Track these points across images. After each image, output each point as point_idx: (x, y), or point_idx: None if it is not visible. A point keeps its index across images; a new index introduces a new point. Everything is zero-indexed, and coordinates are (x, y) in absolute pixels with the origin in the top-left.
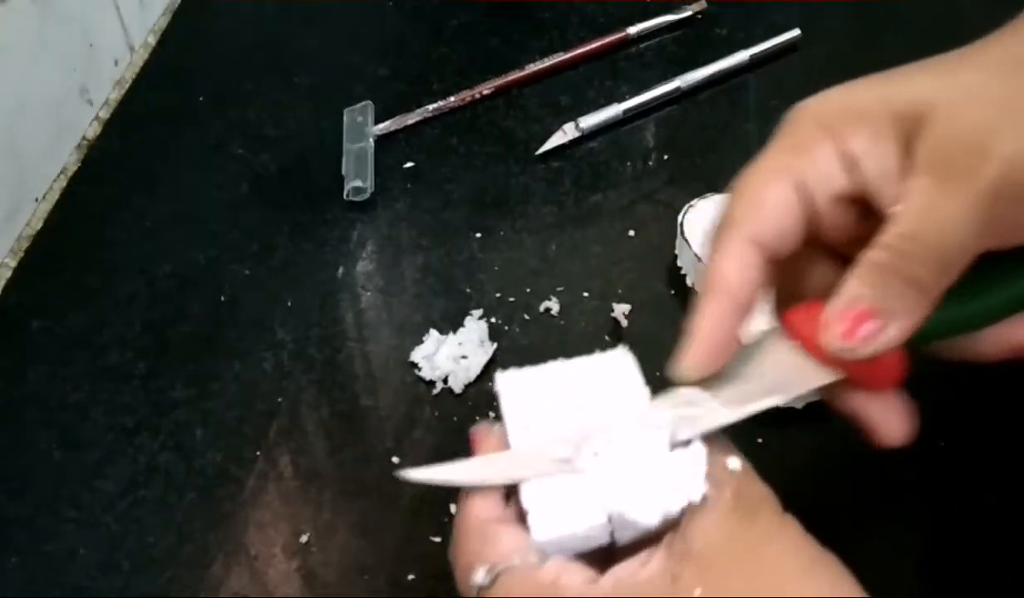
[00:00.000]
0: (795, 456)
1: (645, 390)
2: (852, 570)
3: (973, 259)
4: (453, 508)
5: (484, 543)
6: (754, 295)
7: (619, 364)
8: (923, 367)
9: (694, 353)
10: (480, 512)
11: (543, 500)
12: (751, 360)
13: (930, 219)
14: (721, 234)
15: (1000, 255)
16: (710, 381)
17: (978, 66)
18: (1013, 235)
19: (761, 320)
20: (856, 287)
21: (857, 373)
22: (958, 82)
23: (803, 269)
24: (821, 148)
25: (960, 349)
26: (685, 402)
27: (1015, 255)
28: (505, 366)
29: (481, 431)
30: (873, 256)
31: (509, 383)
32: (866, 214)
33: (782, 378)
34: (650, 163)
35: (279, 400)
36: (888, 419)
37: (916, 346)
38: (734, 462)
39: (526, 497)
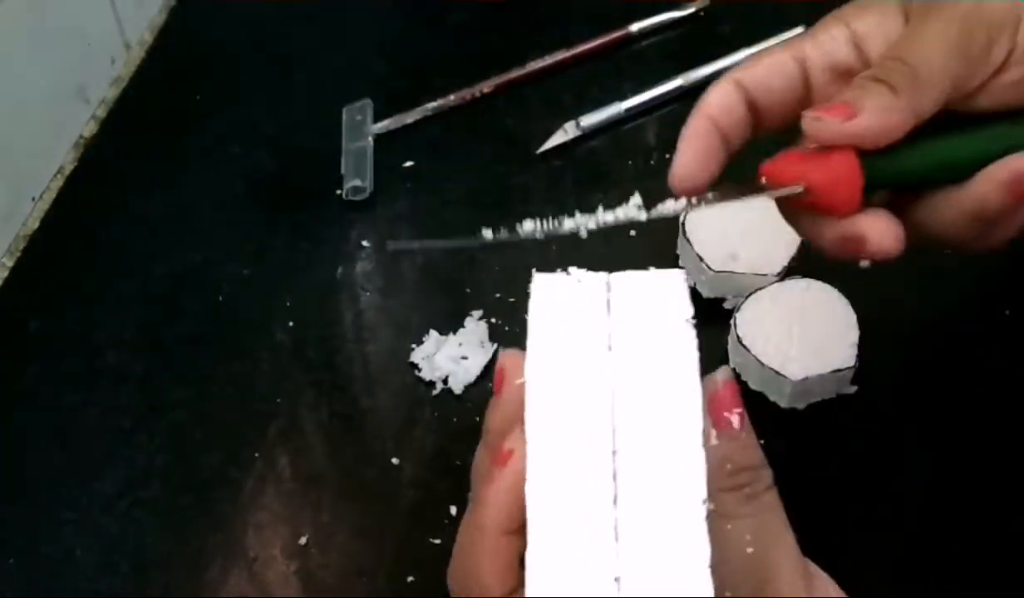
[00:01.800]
0: (795, 456)
1: (687, 320)
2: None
3: (946, 86)
4: (453, 510)
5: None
6: (732, 122)
7: (670, 286)
8: (924, 367)
9: (677, 162)
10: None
11: (548, 554)
12: (729, 188)
13: (908, 41)
14: (717, 81)
15: (966, 123)
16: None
17: None
18: (985, 66)
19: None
20: (844, 92)
21: (818, 186)
22: None
23: None
24: (828, 29)
25: (941, 213)
26: None
27: (980, 121)
28: None
29: (507, 360)
30: (864, 72)
31: (544, 290)
32: None
33: (744, 192)
34: (652, 162)
35: (277, 401)
36: (877, 229)
37: (887, 183)
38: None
39: (531, 551)
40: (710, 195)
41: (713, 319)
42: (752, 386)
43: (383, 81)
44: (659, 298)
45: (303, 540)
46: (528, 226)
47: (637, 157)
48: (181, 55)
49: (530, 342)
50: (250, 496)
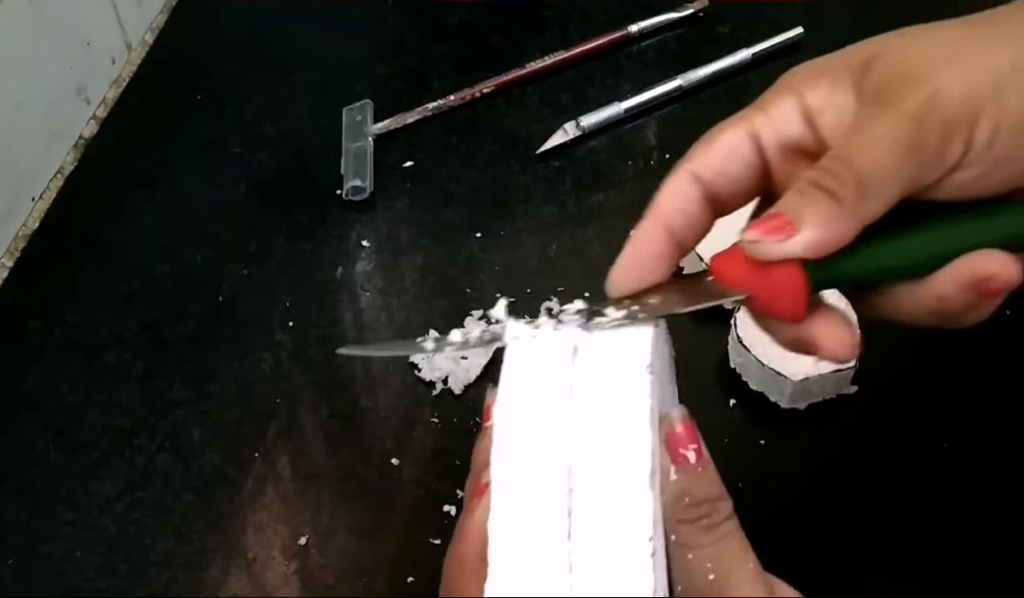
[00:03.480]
0: (795, 456)
1: (646, 367)
2: (852, 570)
3: (898, 189)
4: (453, 511)
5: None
6: (686, 223)
7: (636, 339)
8: (924, 367)
9: (617, 266)
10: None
11: (505, 585)
12: (675, 292)
13: (855, 140)
14: (673, 169)
15: (929, 211)
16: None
17: (935, 25)
18: (937, 167)
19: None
20: (784, 198)
21: (761, 295)
22: (910, 33)
23: None
24: (780, 102)
25: (900, 304)
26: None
27: (938, 211)
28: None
29: (493, 398)
30: (805, 173)
31: (517, 347)
32: None
33: (688, 299)
34: (651, 162)
35: (278, 401)
36: (829, 338)
37: (839, 284)
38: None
39: (489, 581)
40: (652, 300)
41: (713, 319)
42: (752, 386)
43: (383, 81)
44: (623, 348)
45: (303, 540)
46: (475, 333)
47: (637, 157)
48: (181, 55)
49: (500, 387)
50: (250, 496)
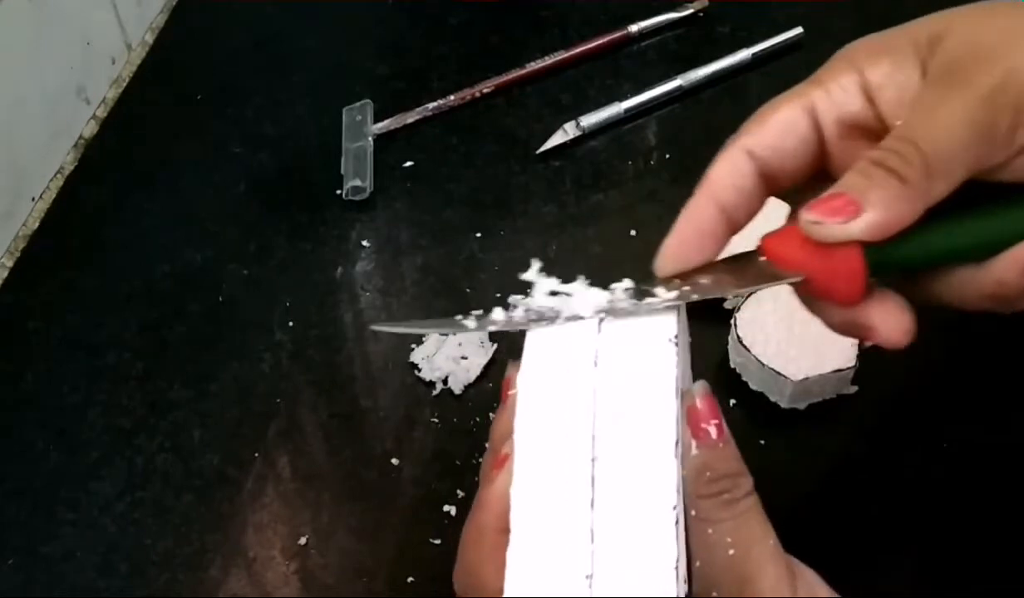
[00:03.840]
0: (795, 456)
1: (670, 339)
2: (852, 569)
3: (964, 171)
4: (453, 510)
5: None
6: (740, 200)
7: (658, 345)
8: (924, 367)
9: (668, 244)
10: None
11: (526, 551)
12: (726, 272)
13: (924, 121)
14: (725, 145)
15: (992, 192)
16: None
17: (1002, 4)
18: (1007, 148)
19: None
20: (846, 177)
21: (818, 277)
22: (976, 11)
23: None
24: (840, 78)
25: (955, 288)
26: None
27: (1011, 190)
28: (505, 366)
29: (513, 372)
30: (869, 153)
31: (535, 349)
32: None
33: (740, 280)
34: (652, 162)
35: (278, 401)
36: (884, 322)
37: (897, 267)
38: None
39: (511, 548)
40: (703, 281)
41: (713, 319)
42: (752, 386)
43: (383, 81)
44: (649, 320)
45: (303, 540)
46: (519, 314)
47: (637, 157)
48: (182, 56)
49: (524, 356)
50: (250, 496)
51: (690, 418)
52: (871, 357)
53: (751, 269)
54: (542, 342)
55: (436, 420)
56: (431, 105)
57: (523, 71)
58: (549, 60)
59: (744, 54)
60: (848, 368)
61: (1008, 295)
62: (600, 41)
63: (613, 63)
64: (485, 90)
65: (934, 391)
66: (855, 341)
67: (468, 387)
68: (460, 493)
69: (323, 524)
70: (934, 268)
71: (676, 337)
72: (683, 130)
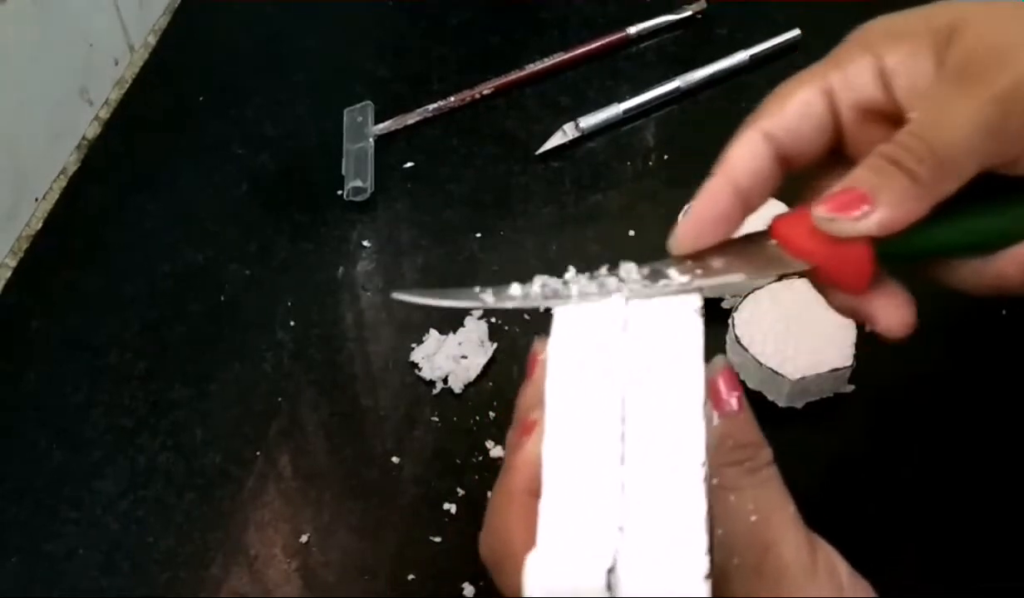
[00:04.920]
0: (793, 455)
1: (696, 310)
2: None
3: (975, 168)
4: (453, 509)
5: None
6: (756, 182)
7: (684, 316)
8: (921, 366)
9: (684, 225)
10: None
11: (558, 503)
12: (737, 254)
13: (937, 119)
14: (742, 126)
15: (1003, 186)
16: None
17: (1015, 6)
18: (1014, 147)
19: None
20: (858, 172)
21: (827, 266)
22: (994, 8)
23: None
24: (857, 61)
25: (958, 275)
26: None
27: (1009, 187)
28: (505, 365)
29: (540, 346)
30: (881, 148)
31: (564, 321)
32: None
33: (751, 264)
34: (650, 163)
35: (279, 400)
36: (887, 315)
37: (904, 257)
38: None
39: (543, 500)
40: (715, 264)
41: (711, 319)
42: (750, 386)
43: (384, 82)
44: (673, 298)
45: (304, 538)
46: (536, 288)
47: (636, 158)
48: (184, 57)
49: (553, 326)
50: (251, 495)
51: (711, 390)
52: (868, 356)
53: (761, 253)
54: (571, 313)
55: (436, 419)
56: (431, 106)
57: (523, 73)
58: (549, 62)
59: (742, 56)
60: (845, 367)
61: (1009, 288)
62: (599, 43)
63: (612, 65)
64: (485, 91)
65: (931, 390)
66: (853, 340)
67: (468, 386)
68: (460, 491)
69: (324, 522)
70: (940, 258)
71: (702, 309)
72: (682, 131)
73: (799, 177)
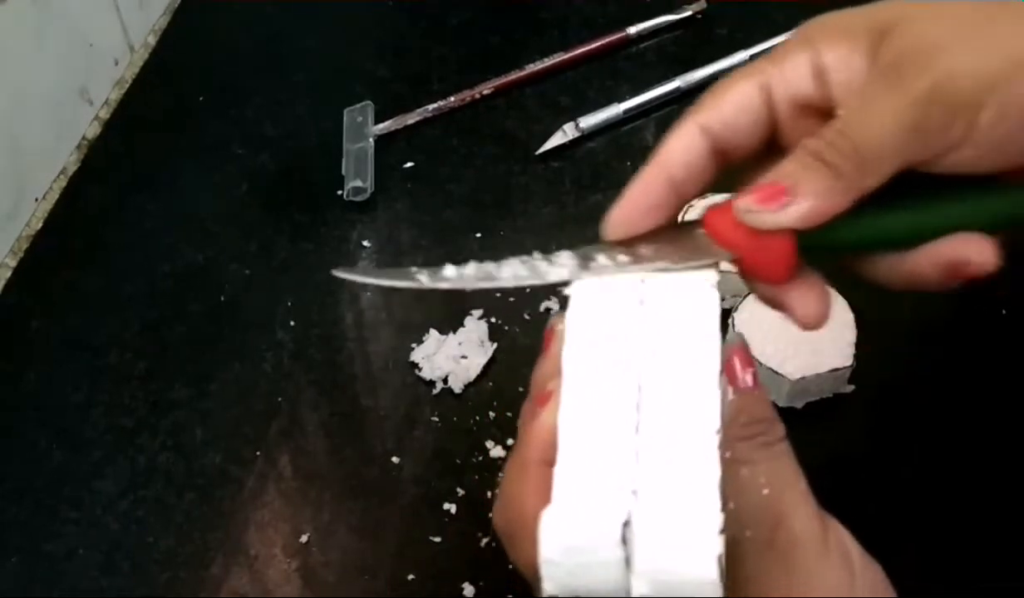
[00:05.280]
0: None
1: (712, 284)
2: None
3: (897, 165)
4: (453, 509)
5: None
6: (690, 174)
7: (700, 290)
8: (921, 366)
9: (617, 210)
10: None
11: (573, 467)
12: (668, 241)
13: (861, 116)
14: (680, 119)
15: (927, 182)
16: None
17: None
18: (938, 147)
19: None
20: (783, 165)
21: (749, 257)
22: (936, 4)
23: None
24: (795, 57)
25: (877, 269)
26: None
27: (941, 183)
28: (505, 365)
29: (557, 323)
30: (806, 142)
31: (581, 296)
32: None
33: (679, 253)
34: None
35: (279, 400)
36: (804, 306)
37: (825, 250)
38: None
39: (558, 465)
40: (644, 251)
41: None
42: None
43: (384, 82)
44: (689, 274)
45: (304, 538)
46: (469, 270)
47: (635, 158)
48: (184, 57)
49: (571, 300)
50: (251, 495)
51: (727, 366)
52: (868, 356)
53: (690, 242)
54: (589, 286)
55: (436, 419)
56: (431, 106)
57: (523, 73)
58: (548, 62)
59: (742, 55)
60: (845, 367)
61: (922, 285)
62: (599, 43)
63: (612, 65)
64: (485, 91)
65: (931, 390)
66: (853, 340)
67: (468, 386)
68: (460, 491)
69: (324, 522)
70: (860, 252)
71: (718, 283)
72: None
73: (739, 169)
